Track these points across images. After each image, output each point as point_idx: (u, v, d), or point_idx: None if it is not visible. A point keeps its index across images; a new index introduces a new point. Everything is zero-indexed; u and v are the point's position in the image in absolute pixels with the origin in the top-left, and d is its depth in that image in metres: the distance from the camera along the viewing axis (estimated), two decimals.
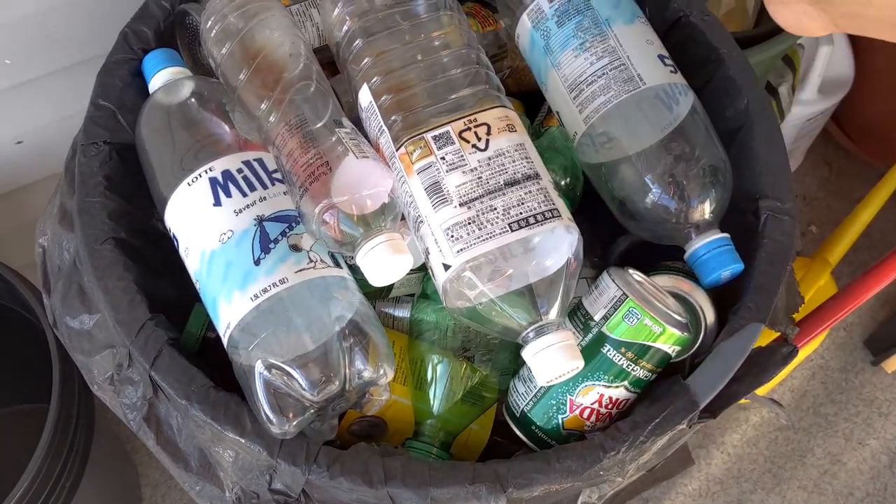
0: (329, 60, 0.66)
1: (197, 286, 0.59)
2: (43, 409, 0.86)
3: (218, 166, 0.59)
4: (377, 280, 0.56)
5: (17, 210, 0.98)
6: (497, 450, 0.66)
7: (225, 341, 0.57)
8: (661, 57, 0.64)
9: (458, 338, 0.65)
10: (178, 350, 0.58)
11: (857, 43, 1.26)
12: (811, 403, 1.26)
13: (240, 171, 0.59)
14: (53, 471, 0.77)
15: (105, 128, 0.65)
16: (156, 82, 0.66)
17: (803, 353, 1.18)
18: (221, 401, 0.55)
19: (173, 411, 0.59)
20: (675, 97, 0.62)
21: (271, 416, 0.54)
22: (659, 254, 0.67)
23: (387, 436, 0.64)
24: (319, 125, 0.57)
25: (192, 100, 0.63)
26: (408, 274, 0.57)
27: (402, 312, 0.67)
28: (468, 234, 0.54)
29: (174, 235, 0.60)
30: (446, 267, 0.54)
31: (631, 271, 0.60)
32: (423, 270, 0.68)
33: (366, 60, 0.59)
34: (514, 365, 0.65)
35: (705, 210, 0.61)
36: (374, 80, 0.59)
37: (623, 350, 0.58)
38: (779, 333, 0.63)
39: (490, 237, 0.54)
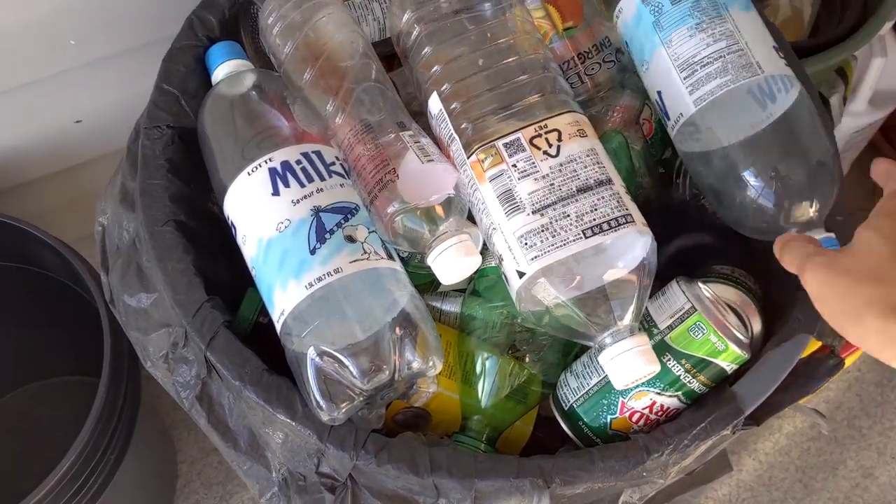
0: (389, 53, 0.67)
1: (253, 273, 0.60)
2: (86, 382, 0.88)
3: (277, 157, 0.60)
4: (447, 279, 0.57)
5: (72, 186, 0.99)
6: (537, 445, 0.67)
7: (279, 328, 0.58)
8: (775, 48, 0.62)
9: (505, 336, 0.65)
10: (232, 332, 0.59)
11: None
12: (846, 415, 1.25)
13: (298, 162, 0.60)
14: (101, 443, 0.79)
15: (168, 112, 0.67)
16: (218, 74, 0.67)
17: None
18: (274, 384, 0.57)
19: (225, 391, 0.61)
20: (784, 87, 0.60)
21: (321, 401, 0.55)
22: (708, 258, 0.68)
23: (430, 427, 0.65)
24: (384, 129, 0.58)
25: (254, 92, 0.65)
26: None
27: (450, 307, 0.68)
28: (542, 241, 0.54)
29: (232, 223, 0.62)
30: (520, 274, 0.55)
31: (700, 284, 0.60)
32: None
33: (435, 68, 0.60)
34: (563, 364, 0.66)
35: (810, 208, 0.59)
36: (444, 87, 0.59)
37: (683, 361, 0.59)
38: (824, 344, 0.63)
39: (564, 244, 0.54)
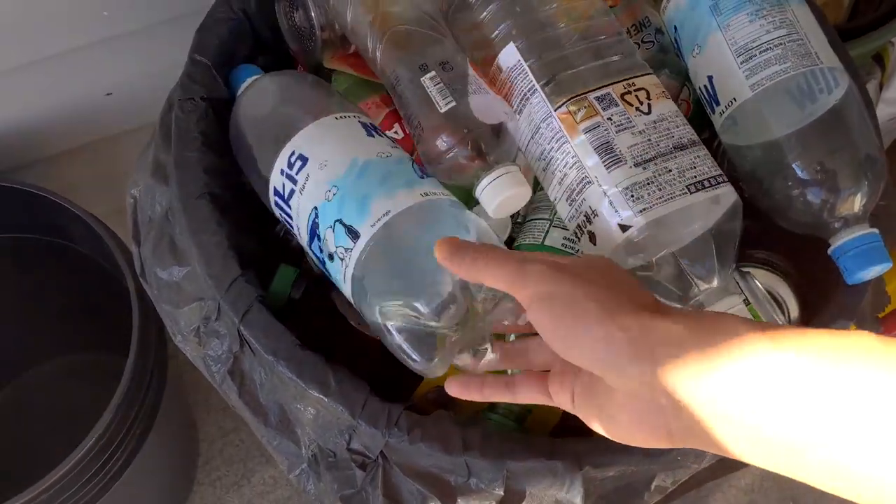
0: None
1: (329, 194, 0.56)
2: (111, 359, 0.87)
3: (365, 118, 0.62)
4: (497, 212, 0.57)
5: (101, 160, 1.00)
6: (567, 426, 0.66)
7: (369, 235, 0.54)
8: (828, 41, 0.62)
9: None
10: (266, 307, 0.59)
11: None
12: None
13: (383, 127, 0.63)
14: (127, 419, 0.79)
15: (202, 84, 0.66)
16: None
17: None
18: (307, 359, 0.56)
19: (257, 366, 0.60)
20: (837, 79, 0.60)
21: (416, 356, 0.52)
22: (744, 242, 0.67)
23: (462, 405, 0.65)
24: (407, 79, 0.58)
25: None
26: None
27: None
28: (649, 194, 0.54)
29: (301, 156, 0.59)
30: (624, 227, 0.54)
31: (754, 280, 0.60)
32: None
33: (507, 22, 0.60)
34: None
35: (855, 203, 0.58)
36: (521, 41, 0.59)
37: None
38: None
39: (671, 198, 0.54)
